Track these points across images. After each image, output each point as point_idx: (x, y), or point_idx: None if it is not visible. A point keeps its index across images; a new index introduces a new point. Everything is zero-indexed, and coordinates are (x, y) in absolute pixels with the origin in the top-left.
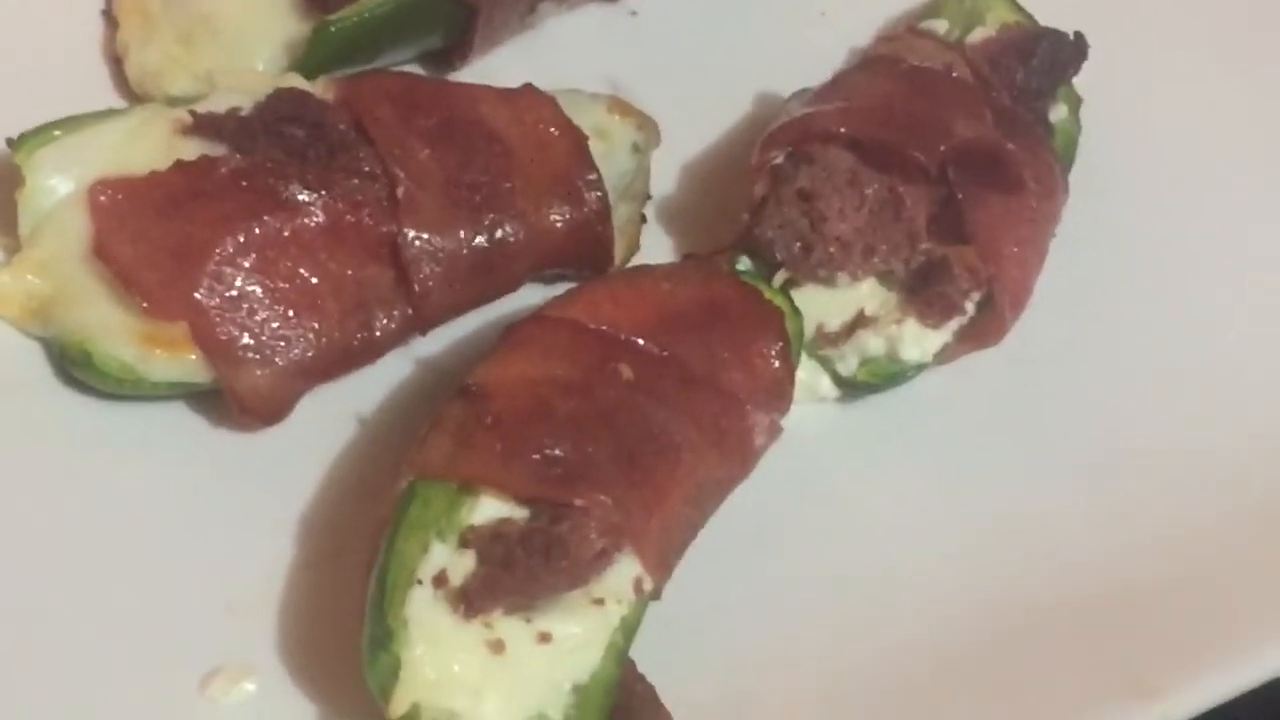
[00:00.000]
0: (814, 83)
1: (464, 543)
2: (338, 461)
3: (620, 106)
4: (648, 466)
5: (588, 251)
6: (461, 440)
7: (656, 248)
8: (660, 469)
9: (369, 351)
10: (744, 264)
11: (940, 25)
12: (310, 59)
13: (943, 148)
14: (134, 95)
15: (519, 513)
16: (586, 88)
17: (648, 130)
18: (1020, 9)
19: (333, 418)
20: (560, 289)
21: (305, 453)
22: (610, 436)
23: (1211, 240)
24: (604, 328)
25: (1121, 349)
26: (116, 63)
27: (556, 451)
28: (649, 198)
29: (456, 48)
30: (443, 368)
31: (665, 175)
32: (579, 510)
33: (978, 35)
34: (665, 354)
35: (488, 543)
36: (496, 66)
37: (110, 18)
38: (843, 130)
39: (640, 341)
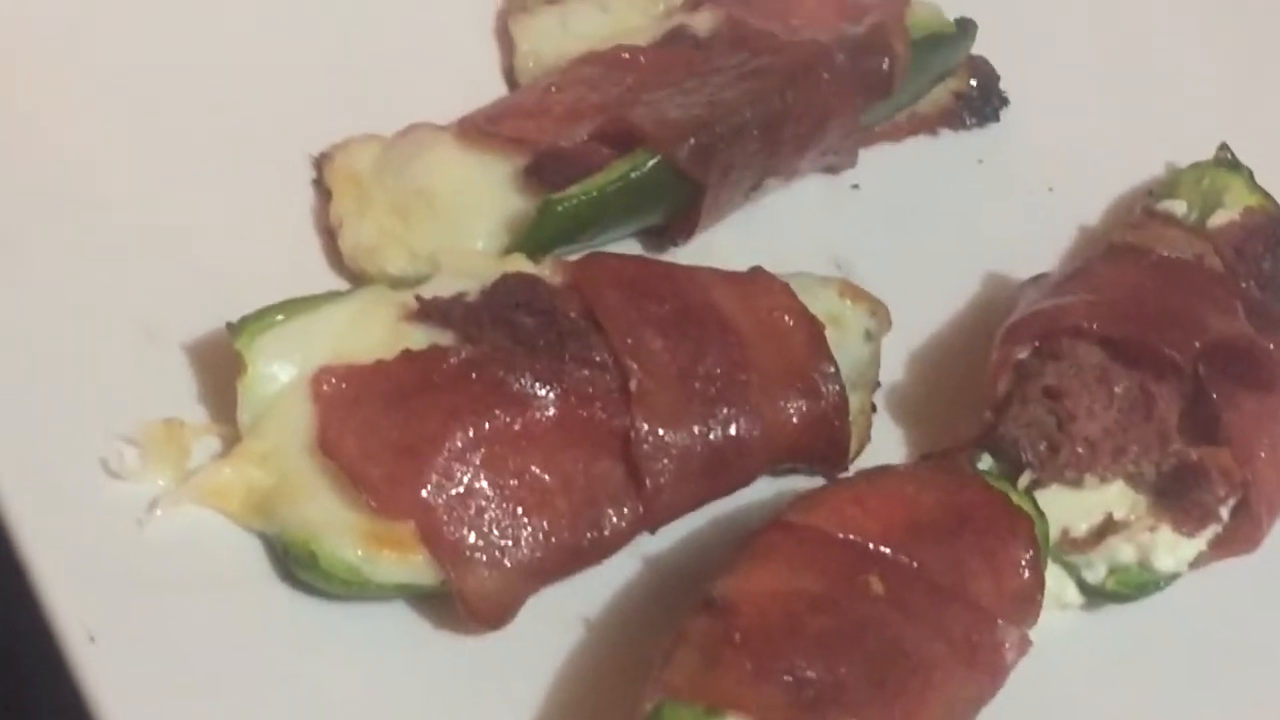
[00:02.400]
0: (1043, 261)
1: None
2: (565, 667)
3: (852, 290)
4: (899, 687)
5: (823, 447)
6: (709, 659)
7: (886, 439)
8: (911, 689)
9: (598, 551)
10: (985, 463)
11: (1178, 206)
12: (534, 237)
13: (1196, 344)
14: (347, 269)
15: None
16: (809, 264)
17: (880, 316)
18: (1259, 188)
19: (559, 620)
20: (788, 482)
21: (531, 658)
22: (861, 655)
23: None
24: (851, 536)
25: None
26: (329, 235)
27: (808, 673)
28: (879, 386)
29: (679, 224)
30: (672, 567)
31: (892, 361)
32: None
33: (1220, 219)
34: (914, 564)
35: None
36: (717, 242)
37: (323, 188)
38: (1093, 325)
39: (888, 551)
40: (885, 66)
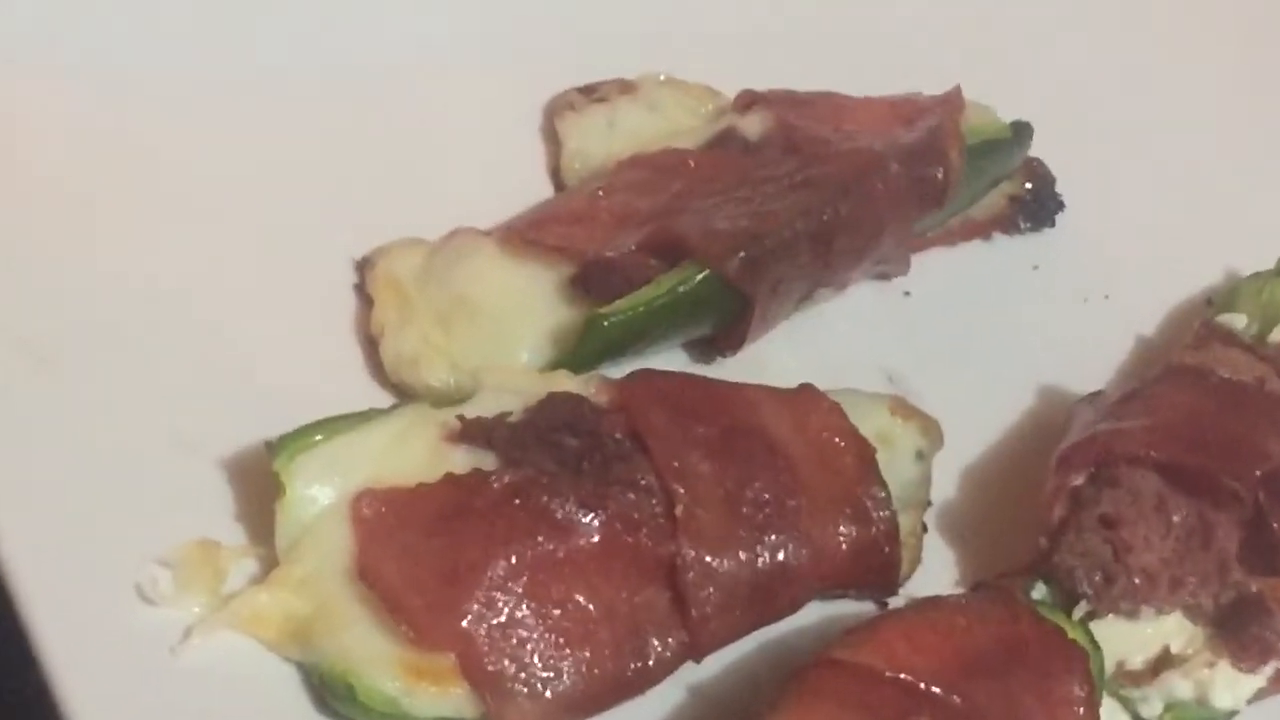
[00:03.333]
0: (1099, 371)
1: None
2: None
3: (903, 409)
4: None
5: (873, 573)
6: None
7: (938, 560)
8: None
9: (642, 681)
10: (1039, 591)
11: (1238, 320)
12: (580, 352)
13: (1257, 472)
14: (389, 380)
15: None
16: (859, 373)
17: (932, 435)
18: None
19: None
20: (836, 606)
21: None
22: None
23: None
24: (901, 675)
25: None
26: (371, 344)
27: None
28: (930, 505)
29: (728, 335)
30: (717, 696)
31: (945, 477)
32: None
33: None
34: (964, 704)
35: None
36: (767, 352)
37: (364, 294)
38: (1151, 453)
39: (938, 691)
40: (940, 175)
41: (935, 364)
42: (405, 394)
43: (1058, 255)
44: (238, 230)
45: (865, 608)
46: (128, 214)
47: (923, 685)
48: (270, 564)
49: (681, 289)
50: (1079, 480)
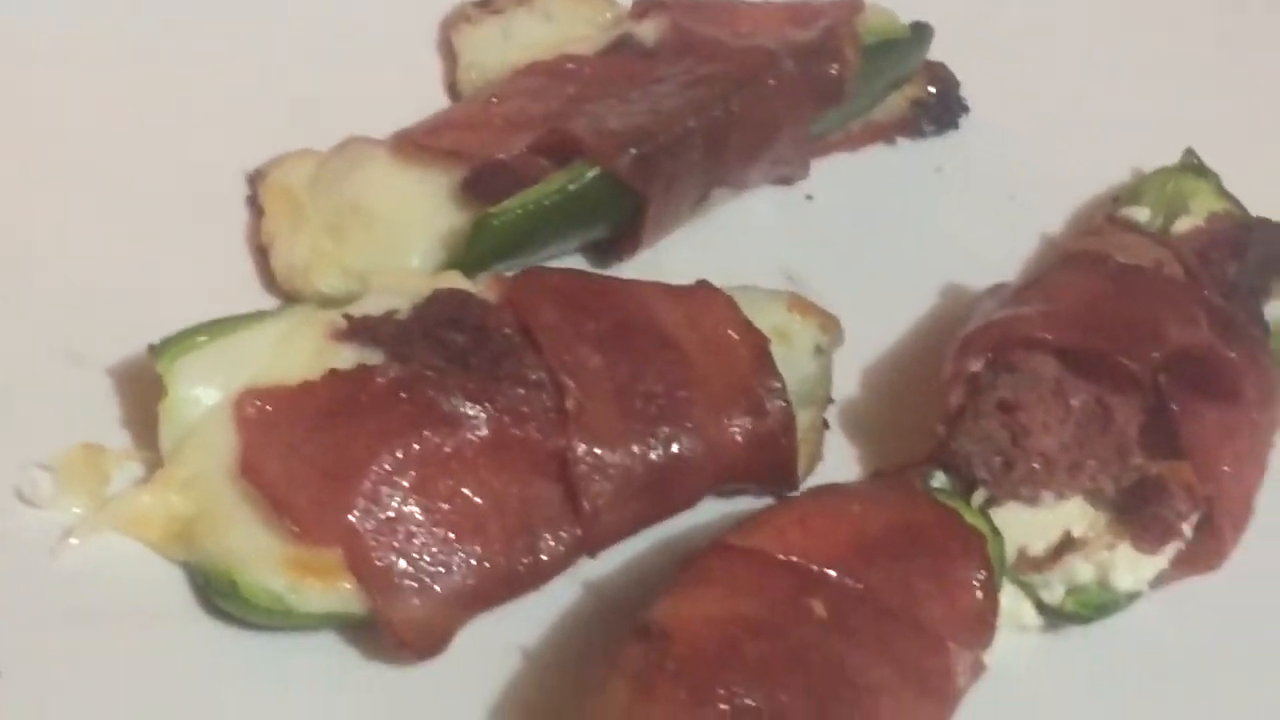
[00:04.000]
0: (1003, 272)
1: None
2: (500, 698)
3: (801, 305)
4: (844, 714)
5: (770, 466)
6: (642, 688)
7: (840, 456)
8: (856, 716)
9: (534, 577)
10: (938, 480)
11: (1141, 213)
12: (470, 253)
13: (1155, 355)
14: (280, 289)
15: None
16: (761, 278)
17: (831, 330)
18: (1227, 194)
19: (494, 650)
20: (736, 503)
21: (465, 689)
22: (803, 682)
23: None
24: (794, 559)
25: None
26: (262, 253)
27: (747, 701)
28: (831, 402)
29: (624, 238)
30: (613, 593)
31: (846, 376)
32: None
33: (1183, 225)
34: (860, 587)
35: None
36: (663, 255)
37: (256, 206)
38: (1047, 336)
39: (833, 574)
40: (835, 72)
41: (838, 265)
42: (296, 301)
43: (962, 158)
44: (130, 143)
45: (766, 504)
46: (12, 124)
47: (816, 568)
48: (156, 468)
49: (572, 187)
50: (977, 367)
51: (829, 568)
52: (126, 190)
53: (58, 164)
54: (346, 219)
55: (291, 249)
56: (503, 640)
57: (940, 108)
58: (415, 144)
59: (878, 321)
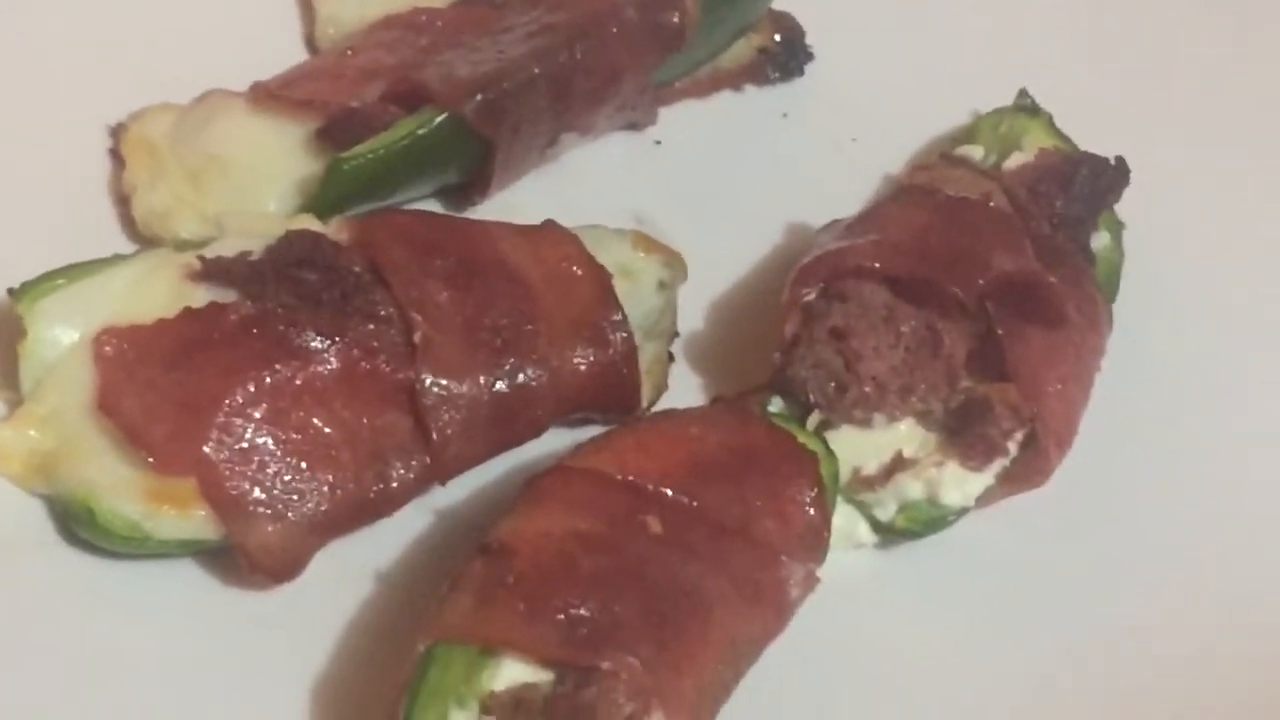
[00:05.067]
0: (847, 212)
1: (485, 710)
2: (354, 621)
3: (645, 242)
4: (678, 624)
5: (613, 395)
6: (482, 600)
7: (685, 388)
8: (691, 627)
9: (386, 504)
10: (776, 405)
11: (975, 152)
12: (323, 198)
13: (981, 282)
14: (141, 237)
15: (543, 676)
16: (610, 220)
17: (674, 266)
18: (1059, 133)
19: (348, 574)
20: (586, 432)
21: (320, 612)
22: (639, 594)
23: (1264, 372)
24: (630, 478)
25: (1171, 489)
26: (124, 203)
27: (582, 611)
28: (676, 335)
29: (475, 182)
30: (464, 519)
31: (693, 312)
32: (606, 673)
33: (1014, 161)
34: (695, 504)
35: (510, 711)
36: (517, 200)
37: (117, 156)
38: (877, 265)
39: (669, 492)
40: (676, 20)
41: (685, 207)
42: (157, 247)
43: (807, 103)
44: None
45: None
46: None
47: (651, 487)
48: (16, 405)
49: (421, 131)
50: (811, 296)
51: (665, 486)
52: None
53: None
54: (206, 168)
55: (151, 197)
56: (356, 564)
57: (786, 55)
58: (271, 95)
59: (723, 259)
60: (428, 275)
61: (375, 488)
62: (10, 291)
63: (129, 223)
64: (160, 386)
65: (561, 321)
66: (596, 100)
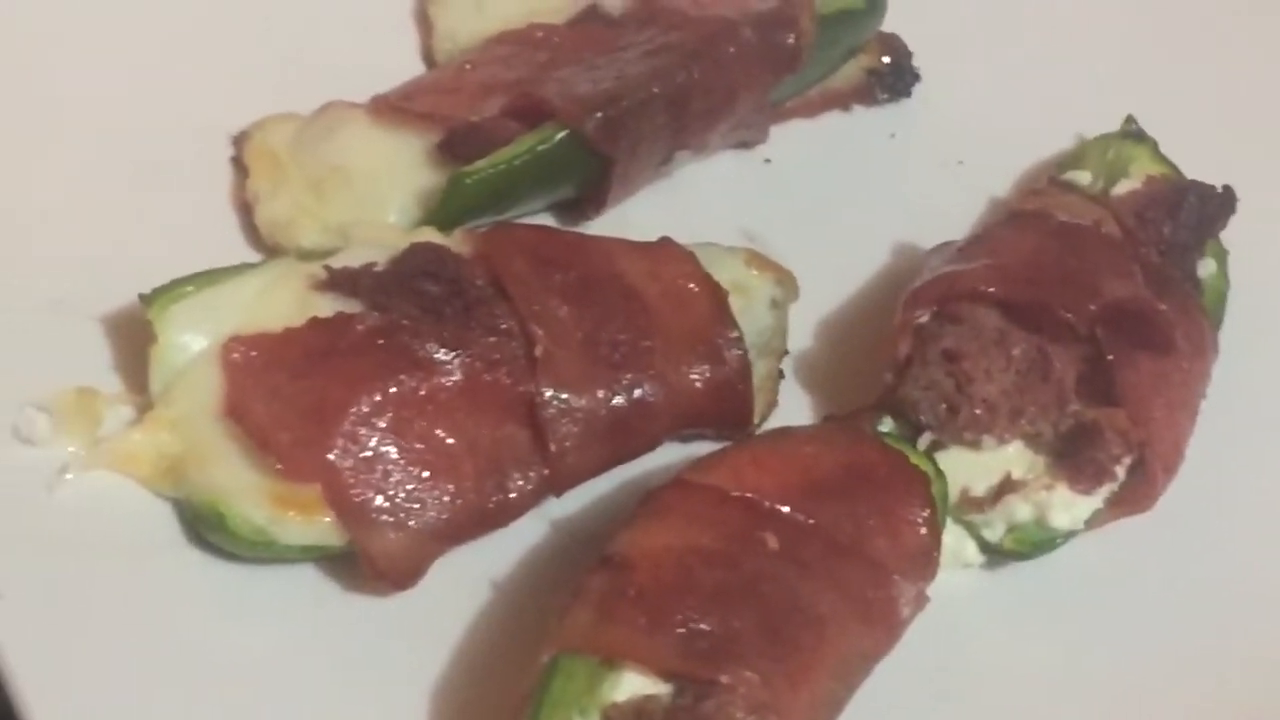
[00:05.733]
0: (953, 233)
1: None
2: (472, 628)
3: (758, 260)
4: (793, 640)
5: (727, 411)
6: (604, 613)
7: (795, 405)
8: (806, 642)
9: (504, 514)
10: (886, 425)
11: (1083, 177)
12: (444, 211)
13: (1092, 307)
14: (264, 245)
15: (662, 689)
16: (721, 237)
17: (786, 284)
18: (1164, 160)
19: (467, 583)
20: (698, 448)
21: (439, 619)
22: (755, 609)
23: None
24: (748, 495)
25: (1277, 514)
26: (246, 211)
27: (702, 625)
28: (786, 353)
29: (591, 198)
30: (579, 531)
31: (802, 329)
32: (725, 687)
33: (1122, 187)
34: (810, 522)
35: None
36: (630, 216)
37: (240, 165)
38: (990, 289)
39: (785, 509)
40: (792, 41)
41: (794, 225)
42: (279, 255)
43: (914, 124)
44: (119, 107)
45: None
46: (9, 84)
47: (768, 504)
48: (145, 409)
49: (541, 148)
50: (924, 318)
51: (781, 503)
52: (116, 154)
53: (51, 124)
54: (327, 178)
55: (274, 205)
56: (474, 573)
57: (893, 76)
58: (393, 107)
59: (832, 277)
60: (548, 289)
61: (494, 498)
62: (141, 297)
63: (251, 230)
64: (287, 394)
65: (678, 337)
66: (713, 119)
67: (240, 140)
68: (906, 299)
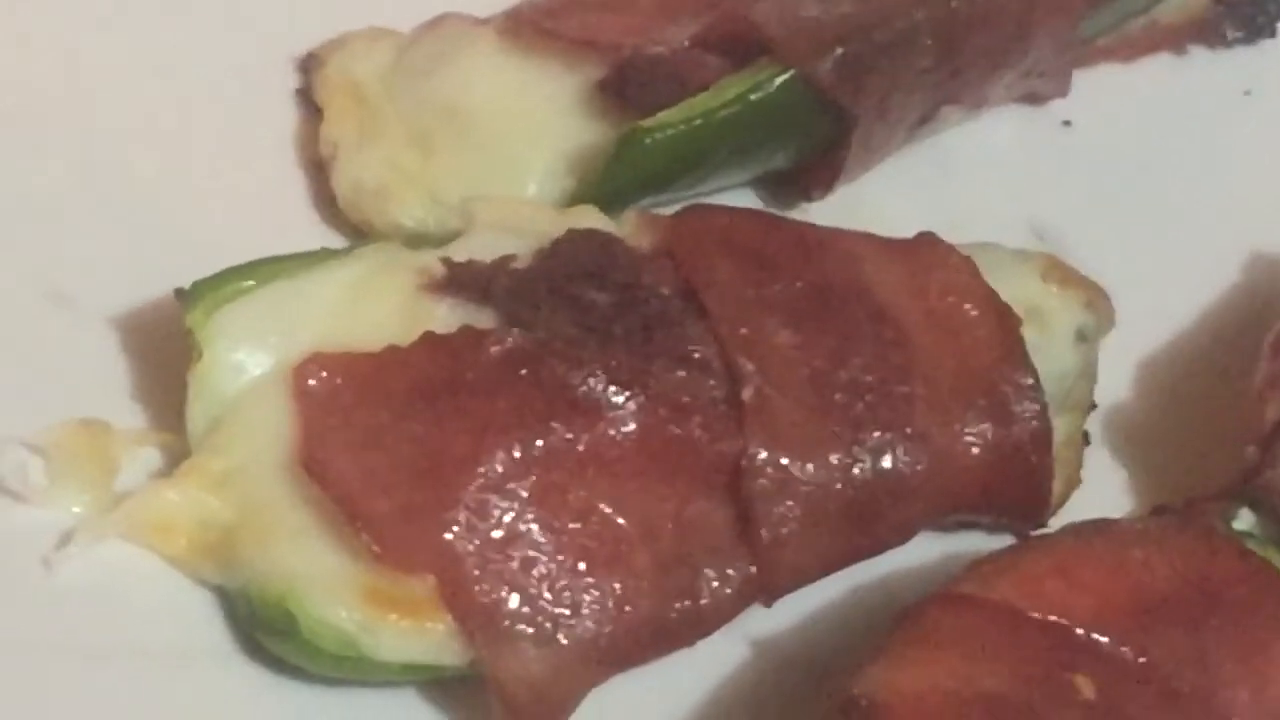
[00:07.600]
0: None
1: None
2: None
3: (1060, 273)
4: None
5: (1014, 491)
6: None
7: (1105, 483)
8: None
9: (692, 627)
10: (1245, 521)
11: None
12: (610, 181)
13: None
14: (344, 221)
15: None
16: (998, 233)
17: (1098, 308)
18: None
19: None
20: (966, 543)
21: None
22: None
23: None
24: (1052, 618)
25: None
26: (319, 170)
27: None
28: (1094, 407)
29: (815, 170)
30: (792, 655)
31: (1115, 373)
32: None
33: None
34: (1140, 661)
35: None
36: (870, 197)
37: (309, 100)
38: None
39: (1105, 640)
40: None
41: (1103, 219)
42: (365, 236)
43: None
44: (135, 17)
45: (1001, 545)
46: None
47: (1080, 632)
48: (180, 455)
49: (753, 97)
50: None
51: (1099, 633)
52: (135, 80)
53: (51, 45)
54: (437, 127)
55: (360, 164)
56: (645, 712)
57: (1252, 6)
58: (535, 29)
59: (1157, 298)
60: (762, 305)
61: (678, 604)
62: (177, 294)
63: (326, 199)
64: (387, 443)
65: (947, 381)
66: (996, 63)
67: (310, 65)
68: (1274, 339)
